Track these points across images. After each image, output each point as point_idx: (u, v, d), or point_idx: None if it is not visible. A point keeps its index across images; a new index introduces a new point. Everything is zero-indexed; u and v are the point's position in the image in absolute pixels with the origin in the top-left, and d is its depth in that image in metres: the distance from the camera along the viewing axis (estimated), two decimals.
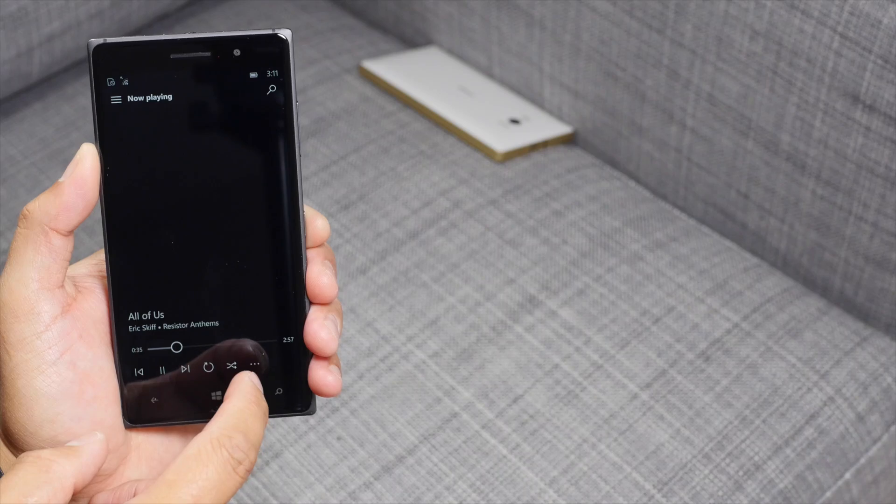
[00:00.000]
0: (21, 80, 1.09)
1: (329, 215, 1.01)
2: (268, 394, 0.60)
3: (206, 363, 0.60)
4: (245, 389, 0.57)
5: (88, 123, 1.08)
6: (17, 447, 0.58)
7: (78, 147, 0.58)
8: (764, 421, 0.90)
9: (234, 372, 0.60)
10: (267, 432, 0.88)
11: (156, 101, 0.57)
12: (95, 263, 0.60)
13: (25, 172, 1.06)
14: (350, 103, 1.12)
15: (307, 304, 0.60)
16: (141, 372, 0.59)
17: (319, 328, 0.59)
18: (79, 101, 1.12)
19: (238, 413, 0.56)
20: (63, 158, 1.06)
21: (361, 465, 0.87)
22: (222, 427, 0.55)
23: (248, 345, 0.60)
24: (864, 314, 1.00)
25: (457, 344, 0.93)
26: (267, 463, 0.87)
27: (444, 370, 0.92)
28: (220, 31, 0.58)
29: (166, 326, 0.59)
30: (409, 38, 1.21)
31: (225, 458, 0.54)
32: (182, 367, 0.59)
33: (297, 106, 0.58)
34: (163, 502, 0.53)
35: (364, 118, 1.10)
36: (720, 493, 0.87)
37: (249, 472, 0.55)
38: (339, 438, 0.88)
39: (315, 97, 1.12)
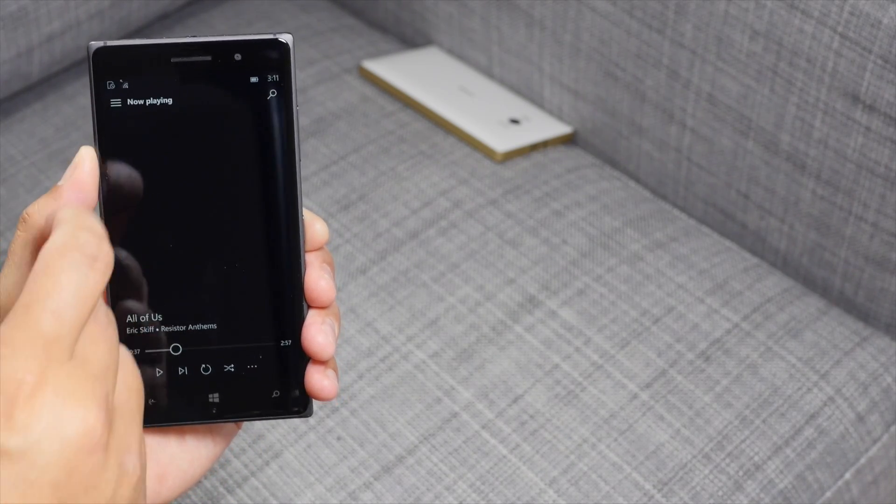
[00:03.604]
0: (21, 80, 1.09)
1: (329, 215, 1.01)
2: (265, 396, 0.60)
3: (203, 365, 0.60)
4: (70, 203, 0.54)
5: (88, 123, 1.08)
6: None
7: (78, 148, 0.58)
8: (764, 421, 0.90)
9: (231, 374, 0.60)
10: (267, 432, 0.88)
11: (155, 104, 0.57)
12: None
13: (25, 172, 1.06)
14: (350, 103, 1.12)
15: (305, 307, 0.60)
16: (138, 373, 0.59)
17: (317, 332, 0.59)
18: (79, 101, 1.12)
19: (74, 217, 0.52)
20: (63, 158, 1.06)
21: (361, 465, 0.87)
22: (62, 233, 0.51)
23: (246, 347, 0.60)
24: (864, 314, 1.00)
25: (457, 344, 0.93)
26: (267, 463, 0.87)
27: (444, 370, 0.92)
28: (221, 32, 0.58)
29: (164, 329, 0.59)
30: (409, 38, 1.21)
31: (76, 259, 0.50)
32: (179, 369, 0.59)
33: (297, 111, 0.58)
34: (22, 329, 0.49)
35: (364, 118, 1.10)
36: (720, 493, 0.87)
37: (109, 266, 0.51)
38: (339, 438, 0.88)
39: (315, 97, 1.12)
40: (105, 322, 0.52)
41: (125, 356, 0.53)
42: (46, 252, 0.50)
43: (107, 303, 0.59)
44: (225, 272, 0.59)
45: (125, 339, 0.59)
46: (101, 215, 0.58)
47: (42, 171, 1.06)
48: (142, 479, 0.53)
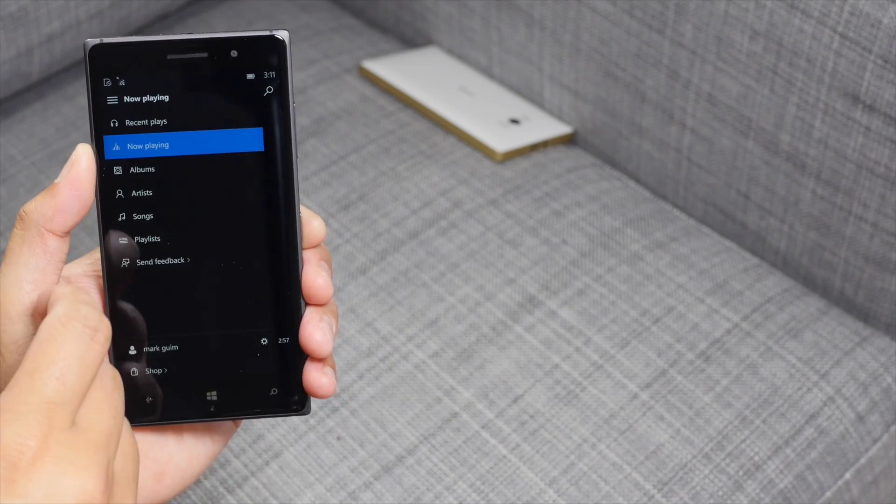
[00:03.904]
0: (21, 80, 1.09)
1: (329, 215, 1.01)
2: (263, 394, 0.60)
3: (201, 363, 0.60)
4: (64, 285, 0.55)
5: (87, 124, 1.08)
6: None
7: (75, 147, 0.58)
8: (764, 421, 0.90)
9: (229, 372, 0.60)
10: (266, 432, 0.88)
11: (152, 101, 0.57)
12: (90, 263, 0.60)
13: (25, 172, 1.06)
14: (350, 103, 1.12)
15: (303, 304, 0.60)
16: (136, 371, 0.59)
17: (314, 330, 0.59)
18: (79, 101, 1.12)
19: (73, 293, 0.53)
20: (63, 158, 1.06)
21: (361, 465, 0.87)
22: (65, 306, 0.52)
23: (243, 344, 0.60)
24: (864, 314, 0.99)
25: (457, 344, 0.93)
26: (267, 463, 0.87)
27: (444, 370, 0.92)
28: (219, 31, 0.58)
29: (161, 326, 0.59)
30: (409, 38, 1.21)
31: (79, 330, 0.52)
32: (177, 366, 0.59)
33: (294, 107, 0.58)
34: (27, 394, 0.50)
35: (364, 118, 1.10)
36: (720, 493, 0.87)
37: (108, 339, 0.52)
38: (339, 438, 0.88)
39: (315, 97, 1.12)
40: (111, 387, 0.53)
41: (124, 424, 0.54)
42: (49, 322, 0.52)
43: (103, 303, 0.59)
44: (223, 269, 0.59)
45: (123, 336, 0.59)
46: (98, 211, 0.58)
47: (42, 171, 1.06)
48: None
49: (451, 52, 1.18)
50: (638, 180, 1.09)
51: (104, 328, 0.52)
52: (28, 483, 0.48)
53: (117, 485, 0.52)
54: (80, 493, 0.49)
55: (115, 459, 0.52)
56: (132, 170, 0.58)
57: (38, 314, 0.56)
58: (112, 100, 0.57)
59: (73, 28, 1.08)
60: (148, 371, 0.59)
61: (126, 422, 0.54)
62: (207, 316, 0.59)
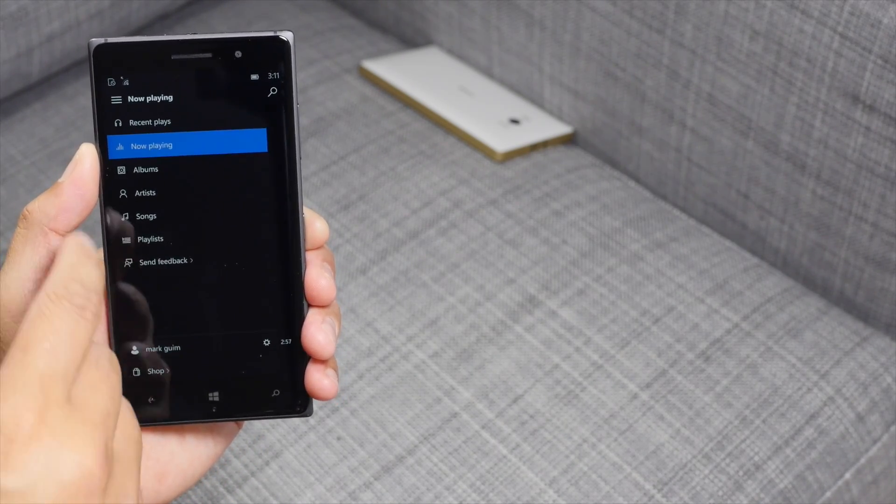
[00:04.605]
0: (21, 80, 1.09)
1: (329, 215, 1.01)
2: (265, 395, 0.60)
3: (203, 364, 0.60)
4: (71, 247, 0.55)
5: (88, 123, 1.08)
6: None
7: (78, 147, 0.58)
8: (764, 421, 0.90)
9: (231, 373, 0.60)
10: (267, 432, 0.88)
11: (156, 101, 0.57)
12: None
13: (25, 172, 1.06)
14: (350, 103, 1.12)
15: (305, 306, 0.60)
16: (138, 372, 0.59)
17: (317, 331, 0.59)
18: (79, 101, 1.12)
19: (68, 267, 0.53)
20: (63, 158, 1.06)
21: (361, 465, 0.87)
22: (55, 282, 0.52)
23: (246, 345, 0.60)
24: (864, 314, 0.99)
25: (457, 344, 0.93)
26: (267, 463, 0.87)
27: (444, 370, 0.92)
28: (221, 31, 0.58)
29: (164, 326, 0.59)
30: (409, 38, 1.21)
31: (67, 307, 0.52)
32: (180, 367, 0.59)
33: (298, 108, 0.58)
34: (20, 368, 0.50)
35: (364, 118, 1.10)
36: (720, 493, 0.87)
37: (98, 316, 0.53)
38: (339, 438, 0.88)
39: (315, 97, 1.12)
40: (108, 368, 0.53)
41: (124, 405, 0.54)
42: (40, 298, 0.52)
43: (106, 302, 0.59)
44: (225, 270, 0.59)
45: (124, 336, 0.59)
46: (101, 211, 0.58)
47: (42, 171, 1.06)
48: None
49: (451, 52, 1.18)
50: (638, 180, 1.09)
51: (92, 306, 0.52)
52: (25, 457, 0.48)
53: (118, 464, 0.52)
54: (77, 468, 0.49)
55: (114, 439, 0.52)
56: (136, 170, 0.58)
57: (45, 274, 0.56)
58: (116, 99, 0.57)
59: (73, 28, 1.08)
60: (150, 371, 0.59)
61: (127, 403, 0.54)
62: (210, 316, 0.59)
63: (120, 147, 0.58)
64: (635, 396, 0.91)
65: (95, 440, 0.50)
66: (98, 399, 0.51)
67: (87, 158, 0.57)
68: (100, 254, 0.56)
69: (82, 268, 0.53)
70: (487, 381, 0.91)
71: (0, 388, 0.49)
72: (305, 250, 0.60)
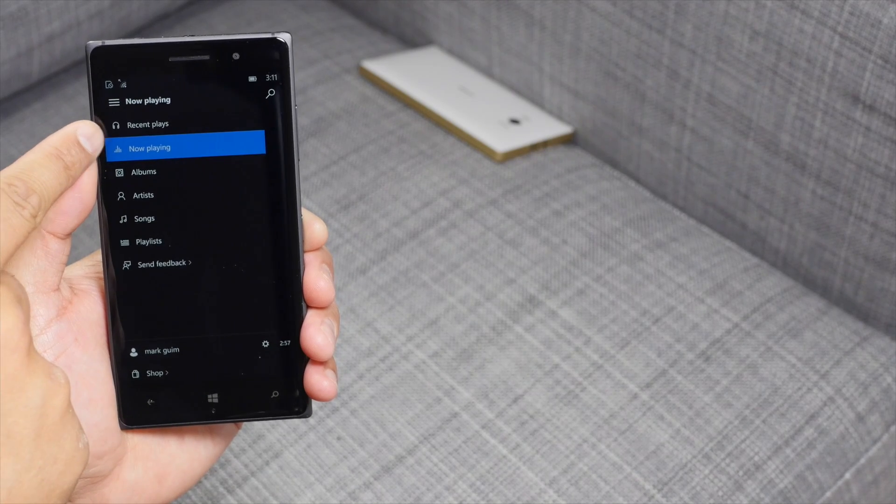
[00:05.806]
0: (21, 80, 1.09)
1: (329, 215, 1.01)
2: (264, 396, 0.60)
3: (202, 365, 0.60)
4: (46, 142, 0.55)
5: None
6: None
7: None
8: (764, 421, 0.90)
9: (230, 375, 0.60)
10: (267, 432, 0.88)
11: (154, 103, 0.57)
12: (92, 265, 0.60)
13: None
14: (350, 103, 1.12)
15: (304, 307, 0.60)
16: (137, 374, 0.59)
17: (316, 333, 0.59)
18: (79, 101, 1.12)
19: (27, 163, 0.54)
20: None
21: (361, 465, 0.87)
22: (5, 175, 0.53)
23: (244, 347, 0.60)
24: (864, 314, 0.99)
25: (457, 344, 0.93)
26: (267, 463, 0.87)
27: (444, 370, 0.92)
28: (220, 31, 0.58)
29: (163, 328, 0.59)
30: (409, 38, 1.21)
31: (4, 199, 0.52)
32: (179, 369, 0.59)
33: (296, 109, 0.58)
34: None
35: (364, 118, 1.10)
36: (720, 493, 0.87)
37: (36, 217, 0.53)
38: (339, 438, 0.88)
39: (315, 97, 1.12)
40: (13, 294, 0.51)
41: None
42: None
43: (104, 304, 0.59)
44: (224, 271, 0.59)
45: (123, 339, 0.59)
46: (99, 213, 0.58)
47: None
48: (70, 395, 0.52)
49: (451, 52, 1.18)
50: (638, 180, 1.09)
51: (30, 207, 0.52)
52: None
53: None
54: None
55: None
56: (134, 172, 0.58)
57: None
58: (114, 102, 0.57)
59: (73, 28, 1.08)
60: (149, 373, 0.59)
61: (38, 369, 0.52)
62: (209, 318, 0.59)
63: (118, 149, 0.58)
64: (635, 396, 0.91)
65: (15, 307, 0.50)
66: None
67: (88, 164, 0.57)
68: (75, 162, 0.56)
69: (38, 168, 0.54)
70: (487, 381, 0.91)
71: None
72: (304, 252, 0.60)
